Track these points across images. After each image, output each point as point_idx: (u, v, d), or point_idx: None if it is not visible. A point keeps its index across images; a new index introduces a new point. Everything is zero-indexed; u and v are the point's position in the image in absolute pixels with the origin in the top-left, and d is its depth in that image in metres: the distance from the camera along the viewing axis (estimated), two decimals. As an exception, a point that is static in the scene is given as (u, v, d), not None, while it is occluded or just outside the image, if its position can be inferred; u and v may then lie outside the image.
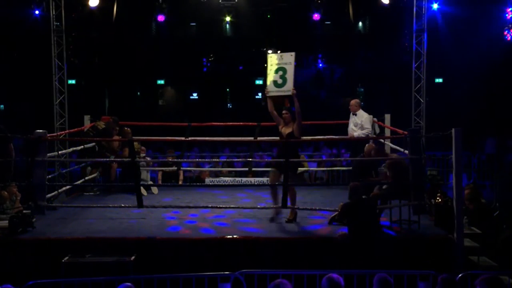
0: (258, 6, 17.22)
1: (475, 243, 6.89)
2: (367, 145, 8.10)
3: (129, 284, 4.45)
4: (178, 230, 7.06)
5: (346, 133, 9.87)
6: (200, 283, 5.53)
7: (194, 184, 11.20)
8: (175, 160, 10.95)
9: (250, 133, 10.15)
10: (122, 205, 8.05)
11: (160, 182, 10.87)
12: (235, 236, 6.65)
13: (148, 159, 10.87)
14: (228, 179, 10.76)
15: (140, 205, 7.41)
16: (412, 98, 11.27)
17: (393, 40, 18.86)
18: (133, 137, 9.94)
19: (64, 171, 10.70)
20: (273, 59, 7.86)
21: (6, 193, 7.68)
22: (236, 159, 12.97)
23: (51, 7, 11.00)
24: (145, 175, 10.44)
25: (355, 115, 9.59)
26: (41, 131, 7.90)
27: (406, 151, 8.36)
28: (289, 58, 7.77)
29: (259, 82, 21.70)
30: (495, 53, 16.93)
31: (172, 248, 6.52)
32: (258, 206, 7.83)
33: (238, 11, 17.15)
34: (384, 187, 7.40)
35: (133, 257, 6.01)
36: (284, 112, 7.58)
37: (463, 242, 6.62)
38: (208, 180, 10.78)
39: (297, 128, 7.47)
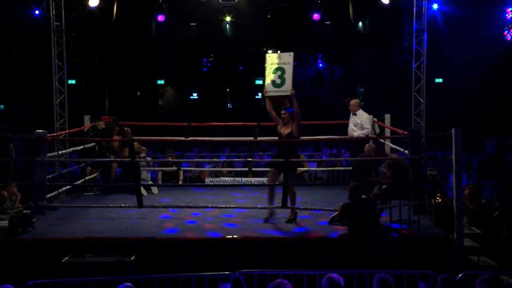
0: (258, 6, 17.23)
1: (475, 243, 6.89)
2: (367, 145, 8.10)
3: (129, 284, 4.45)
4: (178, 230, 7.05)
5: (346, 133, 9.87)
6: (200, 283, 5.53)
7: (194, 184, 11.21)
8: (175, 160, 10.96)
9: (250, 133, 10.15)
10: (122, 205, 8.05)
11: (160, 182, 10.87)
12: (235, 236, 6.65)
13: (149, 159, 10.86)
14: (228, 179, 10.77)
15: (140, 205, 7.41)
16: (412, 98, 11.27)
17: (393, 40, 18.86)
18: (133, 137, 9.94)
19: (64, 171, 10.71)
20: (271, 59, 7.85)
21: (6, 193, 7.69)
22: (236, 159, 12.97)
23: (51, 7, 11.00)
24: (145, 175, 10.44)
25: (355, 115, 9.59)
26: (41, 131, 7.90)
27: (406, 151, 8.36)
28: (288, 58, 7.76)
29: (259, 82, 21.68)
30: (495, 53, 16.92)
31: (172, 248, 6.52)
32: (258, 206, 7.82)
33: (238, 11, 17.16)
34: (384, 187, 7.41)
35: (133, 257, 6.01)
36: (283, 112, 7.57)
37: (463, 242, 6.62)
38: (208, 180, 10.79)
39: (296, 128, 7.47)
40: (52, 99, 11.20)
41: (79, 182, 9.88)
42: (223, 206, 8.27)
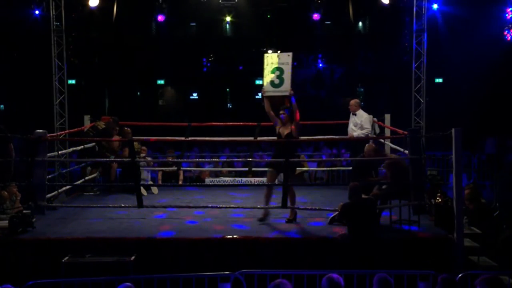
0: (258, 6, 17.22)
1: (475, 243, 6.89)
2: (367, 145, 8.10)
3: (129, 284, 4.45)
4: (178, 230, 7.04)
5: (346, 133, 9.87)
6: (200, 283, 5.53)
7: (194, 184, 11.21)
8: (175, 160, 10.96)
9: (250, 133, 10.15)
10: (122, 205, 8.05)
11: (160, 182, 10.88)
12: (235, 236, 6.65)
13: (149, 159, 10.86)
14: (228, 179, 10.76)
15: (140, 205, 7.41)
16: (412, 98, 11.27)
17: (393, 40, 18.87)
18: (133, 137, 9.94)
19: (64, 171, 10.70)
20: (270, 59, 7.84)
21: (6, 193, 7.69)
22: (236, 159, 12.97)
23: (51, 7, 11.00)
24: (146, 175, 10.44)
25: (355, 115, 9.59)
26: (41, 131, 7.90)
27: (406, 151, 8.36)
28: (287, 58, 7.75)
29: (259, 82, 21.65)
30: (495, 53, 16.92)
31: (172, 248, 6.53)
32: (258, 206, 7.82)
33: (238, 11, 17.16)
34: (383, 187, 7.41)
35: (133, 257, 6.02)
36: (281, 112, 7.56)
37: (463, 242, 6.63)
38: (208, 180, 10.78)
39: (295, 128, 7.47)
40: (52, 99, 11.20)
41: (79, 182, 9.87)
42: (223, 206, 8.27)
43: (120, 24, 17.77)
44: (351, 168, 9.23)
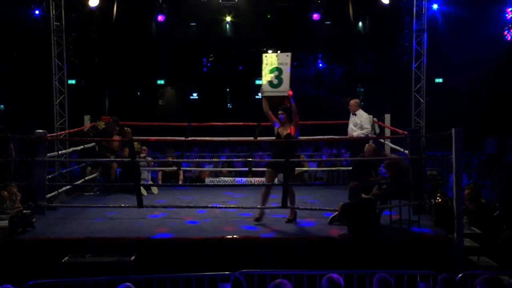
0: (258, 6, 17.22)
1: (475, 243, 6.90)
2: (367, 145, 8.10)
3: (129, 284, 4.45)
4: (178, 231, 7.05)
5: (346, 133, 9.87)
6: (200, 283, 5.53)
7: (194, 184, 11.21)
8: (175, 160, 10.96)
9: (250, 133, 10.15)
10: (122, 205, 8.06)
11: (160, 182, 10.88)
12: (235, 236, 6.65)
13: (149, 159, 10.86)
14: (228, 179, 10.77)
15: (140, 205, 7.41)
16: (412, 98, 11.27)
17: (393, 40, 18.85)
18: (133, 137, 9.94)
19: (64, 171, 10.70)
20: (268, 59, 7.83)
21: (6, 193, 7.69)
22: (236, 159, 12.97)
23: (51, 7, 11.00)
24: (146, 175, 10.44)
25: (355, 115, 9.59)
26: (41, 131, 7.90)
27: (406, 151, 8.36)
28: (285, 58, 7.74)
29: (259, 82, 21.56)
30: (495, 53, 16.91)
31: (172, 248, 6.53)
32: (258, 206, 7.82)
33: (238, 11, 17.16)
34: (383, 187, 7.41)
35: (133, 257, 6.02)
36: (280, 112, 7.55)
37: (463, 242, 6.63)
38: (208, 180, 10.79)
39: (294, 128, 7.47)
40: (52, 99, 11.20)
41: (79, 182, 9.88)
42: (223, 206, 8.27)
43: (120, 24, 17.77)
44: (351, 168, 9.23)
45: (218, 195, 9.63)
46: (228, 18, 17.93)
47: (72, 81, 18.91)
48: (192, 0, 15.27)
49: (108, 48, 19.97)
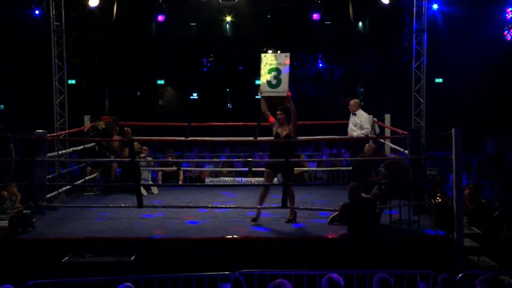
0: (258, 6, 17.20)
1: (475, 243, 6.89)
2: (367, 145, 8.10)
3: (129, 284, 4.45)
4: (178, 230, 7.05)
5: (346, 133, 9.87)
6: (200, 283, 5.53)
7: (194, 184, 11.21)
8: (175, 160, 10.95)
9: (250, 133, 10.15)
10: (122, 205, 8.06)
11: (160, 182, 10.87)
12: (235, 236, 6.65)
13: (149, 159, 10.86)
14: (228, 179, 10.76)
15: (140, 205, 7.41)
16: (412, 98, 11.27)
17: (393, 40, 18.84)
18: (133, 137, 9.94)
19: (64, 171, 10.70)
20: (267, 59, 7.82)
21: (6, 193, 7.69)
22: (236, 159, 12.97)
23: (51, 7, 11.00)
24: (146, 175, 10.44)
25: (355, 115, 9.59)
26: (41, 131, 7.90)
27: (406, 151, 8.36)
28: (284, 58, 7.74)
29: (259, 82, 21.59)
30: (495, 53, 16.91)
31: (172, 248, 6.52)
32: (258, 206, 7.81)
33: (238, 11, 17.15)
34: (382, 187, 7.41)
35: (133, 257, 6.01)
36: (278, 113, 7.55)
37: (463, 242, 6.63)
38: (208, 180, 10.78)
39: (293, 129, 7.47)
40: (52, 99, 11.20)
41: (79, 182, 9.88)
42: (223, 206, 8.26)
43: (120, 24, 17.75)
44: (351, 168, 9.23)
45: (218, 195, 9.63)
46: (228, 18, 17.92)
47: (72, 81, 18.90)
48: (192, 0, 15.27)
49: (108, 48, 19.97)
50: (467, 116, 16.44)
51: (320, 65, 22.82)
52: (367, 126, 9.51)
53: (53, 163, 10.75)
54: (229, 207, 8.21)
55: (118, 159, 9.61)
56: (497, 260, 6.75)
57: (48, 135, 8.18)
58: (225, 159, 12.84)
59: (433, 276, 5.41)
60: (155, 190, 9.97)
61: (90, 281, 5.36)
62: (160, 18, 15.85)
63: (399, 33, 18.02)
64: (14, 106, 20.60)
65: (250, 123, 10.11)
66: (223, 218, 7.78)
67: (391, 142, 9.87)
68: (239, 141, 13.46)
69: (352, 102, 9.71)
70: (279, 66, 7.71)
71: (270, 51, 16.22)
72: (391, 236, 6.80)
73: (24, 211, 7.20)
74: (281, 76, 7.67)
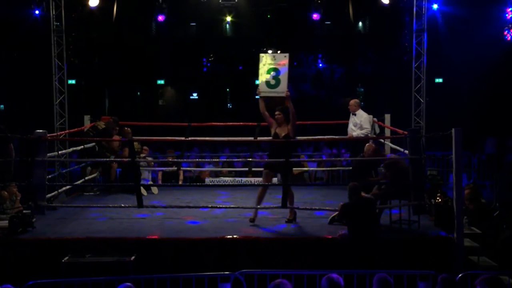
0: (258, 6, 17.20)
1: (475, 243, 6.89)
2: (367, 145, 8.10)
3: (129, 284, 4.45)
4: (178, 230, 7.05)
5: (346, 133, 9.87)
6: (200, 283, 5.53)
7: (194, 184, 11.21)
8: (175, 160, 10.95)
9: (250, 133, 10.15)
10: (122, 205, 8.05)
11: (160, 182, 10.87)
12: (235, 236, 6.65)
13: (150, 159, 10.86)
14: (228, 179, 10.76)
15: (140, 205, 7.41)
16: (412, 98, 11.27)
17: (393, 40, 18.85)
18: (133, 137, 9.94)
19: (64, 171, 10.70)
20: (265, 59, 7.80)
21: (6, 193, 7.69)
22: (236, 159, 12.97)
23: (51, 7, 11.00)
24: (146, 175, 10.44)
25: (355, 115, 9.60)
26: (41, 131, 7.90)
27: (406, 151, 8.36)
28: (283, 59, 7.74)
29: (259, 82, 21.63)
30: (495, 53, 16.90)
31: (172, 248, 6.53)
32: (258, 206, 7.81)
33: (238, 11, 17.15)
34: (382, 187, 7.41)
35: (133, 257, 6.02)
36: (277, 113, 7.54)
37: (463, 242, 6.63)
38: (208, 180, 10.78)
39: (292, 129, 7.47)
40: (52, 99, 11.20)
41: (79, 182, 9.88)
42: (223, 206, 8.26)
43: (120, 24, 17.75)
44: (351, 168, 9.23)
45: (218, 195, 9.63)
46: (228, 18, 17.92)
47: (72, 81, 18.88)
48: (192, 0, 15.26)
49: (108, 48, 19.97)
50: (467, 116, 16.44)
51: (320, 65, 22.82)
52: (367, 126, 9.51)
53: (53, 163, 10.75)
54: (229, 207, 8.20)
55: (118, 159, 9.61)
56: (497, 260, 6.74)
57: (48, 135, 8.18)
58: (225, 159, 12.84)
59: (433, 276, 5.41)
60: (155, 190, 9.97)
61: (90, 281, 5.36)
62: (160, 18, 15.86)
63: (399, 33, 18.03)
64: (14, 106, 20.60)
65: (250, 123, 10.11)
66: (223, 218, 7.79)
67: (391, 142, 9.87)
68: (239, 141, 13.46)
69: (352, 102, 9.71)
70: (277, 66, 7.70)
71: (270, 51, 16.24)
72: (391, 236, 6.81)
73: (24, 211, 7.20)
74: (280, 77, 7.66)
